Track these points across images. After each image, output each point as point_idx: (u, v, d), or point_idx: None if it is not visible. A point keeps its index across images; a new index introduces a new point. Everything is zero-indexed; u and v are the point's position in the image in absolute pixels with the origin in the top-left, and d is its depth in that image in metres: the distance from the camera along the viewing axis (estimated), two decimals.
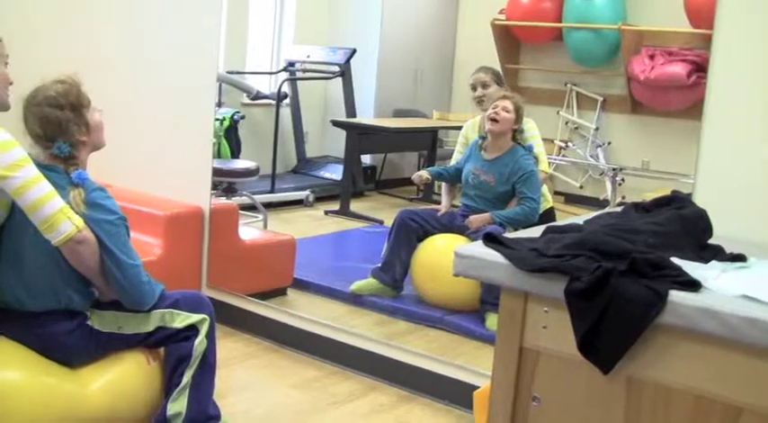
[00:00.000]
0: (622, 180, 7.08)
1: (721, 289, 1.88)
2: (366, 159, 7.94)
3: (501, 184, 4.31)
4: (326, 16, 8.19)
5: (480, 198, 4.38)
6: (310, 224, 6.43)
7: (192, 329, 2.67)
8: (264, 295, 4.30)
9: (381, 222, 6.25)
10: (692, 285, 1.88)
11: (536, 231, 2.31)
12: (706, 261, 2.10)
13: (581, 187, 7.41)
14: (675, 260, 2.00)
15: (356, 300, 4.48)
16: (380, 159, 8.13)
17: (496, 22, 7.44)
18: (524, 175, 4.28)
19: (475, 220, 4.26)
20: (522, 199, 4.28)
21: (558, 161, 7.41)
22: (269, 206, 6.48)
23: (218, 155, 6.60)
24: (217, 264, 4.16)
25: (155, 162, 4.23)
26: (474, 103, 4.66)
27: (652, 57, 6.62)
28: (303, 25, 7.86)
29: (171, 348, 2.68)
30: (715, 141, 2.77)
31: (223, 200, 5.52)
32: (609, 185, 7.31)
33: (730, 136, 2.74)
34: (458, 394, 3.25)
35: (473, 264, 2.14)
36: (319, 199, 7.06)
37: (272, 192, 6.77)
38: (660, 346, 1.88)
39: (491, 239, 2.18)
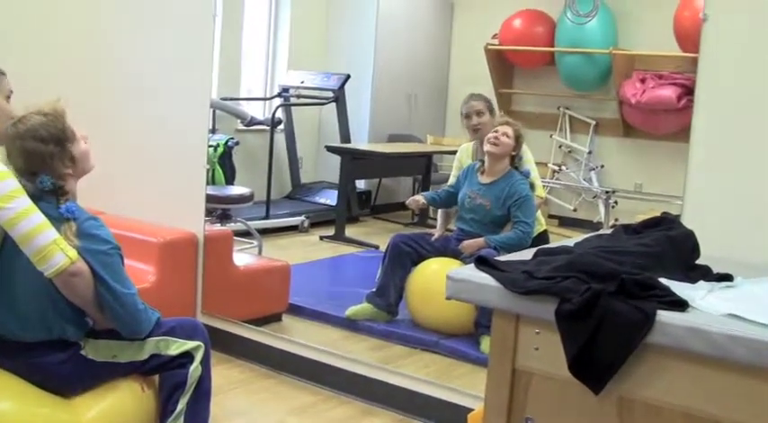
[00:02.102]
0: (615, 203, 7.11)
1: (708, 308, 1.90)
2: (361, 184, 7.96)
3: (497, 208, 4.33)
4: (320, 42, 8.25)
5: (476, 222, 4.40)
6: (305, 249, 6.45)
7: (187, 356, 2.67)
8: (259, 321, 4.31)
9: (376, 247, 6.26)
10: (680, 305, 1.90)
11: (527, 254, 2.34)
12: (693, 281, 2.12)
13: (575, 210, 7.44)
14: (663, 280, 2.03)
15: (351, 325, 4.49)
16: (375, 184, 8.15)
17: (490, 47, 7.51)
18: (519, 199, 4.30)
19: (469, 245, 4.28)
20: (516, 223, 4.29)
21: (551, 184, 7.45)
22: (264, 232, 6.48)
23: (212, 181, 6.60)
24: (211, 290, 4.17)
25: (148, 189, 4.25)
26: (468, 131, 4.69)
27: (643, 80, 6.68)
28: (297, 51, 7.91)
29: (166, 375, 2.68)
30: (702, 163, 2.81)
31: (218, 226, 5.55)
32: (602, 208, 7.34)
33: (717, 158, 2.78)
34: (453, 417, 3.25)
35: (465, 287, 2.17)
36: (314, 224, 7.08)
37: (266, 218, 6.79)
38: (650, 365, 1.90)
39: (483, 262, 2.21)
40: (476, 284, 2.14)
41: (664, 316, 1.86)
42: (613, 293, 1.94)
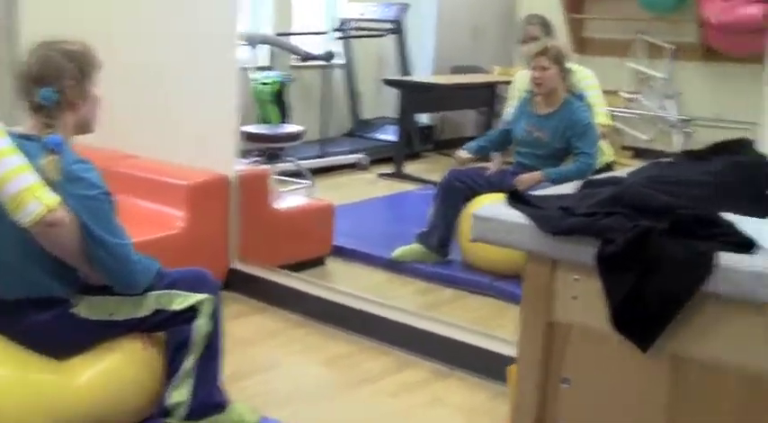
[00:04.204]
0: (693, 132, 6.72)
1: None
2: (423, 119, 7.67)
3: (556, 140, 4.00)
4: None
5: (534, 156, 4.07)
6: (362, 188, 6.19)
7: (193, 311, 2.39)
8: (302, 265, 4.06)
9: (435, 184, 5.95)
10: (746, 246, 1.56)
11: (570, 187, 2.00)
12: (765, 215, 1.76)
13: (650, 140, 7.05)
14: (728, 216, 1.68)
15: (399, 267, 4.21)
16: (439, 118, 7.84)
17: None
18: (580, 129, 3.96)
19: (525, 179, 3.95)
20: (576, 154, 3.97)
21: (626, 114, 7.07)
22: (321, 171, 6.27)
23: (266, 120, 6.41)
24: (247, 235, 3.90)
25: (177, 130, 3.97)
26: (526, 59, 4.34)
27: None
28: None
29: (170, 332, 2.42)
30: None
31: (266, 166, 5.32)
32: (679, 138, 6.94)
33: None
34: (495, 368, 2.92)
35: (493, 227, 1.85)
36: (375, 161, 6.83)
37: (322, 156, 6.55)
38: (708, 318, 1.57)
39: (515, 198, 1.88)
40: (505, 223, 1.82)
41: (725, 259, 1.53)
42: (665, 232, 1.61)
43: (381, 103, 7.72)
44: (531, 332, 1.86)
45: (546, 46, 4.04)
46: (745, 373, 1.54)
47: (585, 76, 4.22)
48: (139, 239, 3.42)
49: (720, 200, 1.77)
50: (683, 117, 6.99)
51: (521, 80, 4.48)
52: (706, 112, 6.84)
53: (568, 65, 4.07)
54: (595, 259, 1.65)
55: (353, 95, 7.61)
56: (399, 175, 6.47)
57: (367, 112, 7.75)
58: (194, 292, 2.40)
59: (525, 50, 4.25)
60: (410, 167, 6.65)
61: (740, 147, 2.04)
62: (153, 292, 2.36)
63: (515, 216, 1.82)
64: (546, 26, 4.35)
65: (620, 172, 2.12)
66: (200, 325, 2.39)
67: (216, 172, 3.79)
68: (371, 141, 7.29)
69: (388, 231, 4.96)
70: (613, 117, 7.11)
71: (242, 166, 4.04)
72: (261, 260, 3.89)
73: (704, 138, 5.97)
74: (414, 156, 7.13)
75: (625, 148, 7.10)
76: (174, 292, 2.38)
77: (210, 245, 3.75)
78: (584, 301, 1.75)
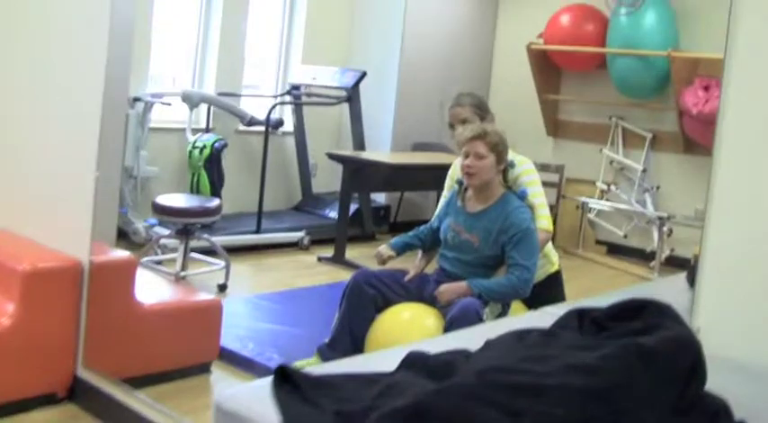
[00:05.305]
0: (670, 230, 6.20)
1: None
2: (380, 198, 7.06)
3: (487, 246, 3.27)
4: (340, 35, 7.38)
5: (460, 262, 3.35)
6: (295, 273, 5.48)
7: None
8: (180, 373, 3.35)
9: None
10: None
11: (389, 358, 1.33)
12: None
13: (625, 236, 6.53)
14: None
15: None
16: (396, 199, 7.23)
17: (533, 47, 6.68)
18: (516, 235, 3.24)
19: (446, 290, 3.23)
20: (510, 266, 3.25)
21: (600, 206, 6.56)
22: (257, 248, 5.62)
23: (196, 189, 5.83)
24: (100, 336, 3.18)
25: (29, 199, 3.33)
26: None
27: (707, 88, 5.94)
28: (312, 44, 7.04)
29: None
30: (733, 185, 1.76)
31: (176, 242, 4.69)
32: (656, 236, 6.40)
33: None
34: None
35: None
36: (322, 241, 6.13)
37: (257, 232, 5.89)
38: None
39: (287, 378, 1.21)
40: None
41: None
42: None
43: (336, 177, 7.11)
44: None
45: (485, 129, 3.36)
46: None
47: (527, 171, 3.54)
48: None
49: (600, 417, 1.10)
50: (661, 214, 6.42)
51: (457, 169, 3.81)
52: (686, 209, 6.28)
53: (509, 156, 3.41)
54: None
55: (303, 166, 6.99)
56: (340, 260, 5.78)
57: (319, 186, 7.12)
58: None
59: (458, 133, 3.56)
60: (357, 251, 5.94)
61: (656, 314, 1.35)
62: None
63: (269, 416, 1.15)
64: (480, 108, 3.65)
65: (472, 341, 1.42)
66: None
67: (66, 256, 3.10)
68: (319, 218, 6.61)
69: (303, 333, 4.24)
70: (590, 209, 6.61)
71: (108, 252, 3.36)
72: (119, 368, 3.16)
73: (684, 237, 5.63)
74: (367, 238, 6.46)
75: (599, 242, 6.58)
76: None
77: (49, 347, 3.04)
78: None
